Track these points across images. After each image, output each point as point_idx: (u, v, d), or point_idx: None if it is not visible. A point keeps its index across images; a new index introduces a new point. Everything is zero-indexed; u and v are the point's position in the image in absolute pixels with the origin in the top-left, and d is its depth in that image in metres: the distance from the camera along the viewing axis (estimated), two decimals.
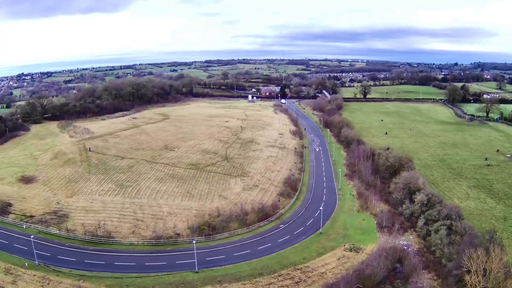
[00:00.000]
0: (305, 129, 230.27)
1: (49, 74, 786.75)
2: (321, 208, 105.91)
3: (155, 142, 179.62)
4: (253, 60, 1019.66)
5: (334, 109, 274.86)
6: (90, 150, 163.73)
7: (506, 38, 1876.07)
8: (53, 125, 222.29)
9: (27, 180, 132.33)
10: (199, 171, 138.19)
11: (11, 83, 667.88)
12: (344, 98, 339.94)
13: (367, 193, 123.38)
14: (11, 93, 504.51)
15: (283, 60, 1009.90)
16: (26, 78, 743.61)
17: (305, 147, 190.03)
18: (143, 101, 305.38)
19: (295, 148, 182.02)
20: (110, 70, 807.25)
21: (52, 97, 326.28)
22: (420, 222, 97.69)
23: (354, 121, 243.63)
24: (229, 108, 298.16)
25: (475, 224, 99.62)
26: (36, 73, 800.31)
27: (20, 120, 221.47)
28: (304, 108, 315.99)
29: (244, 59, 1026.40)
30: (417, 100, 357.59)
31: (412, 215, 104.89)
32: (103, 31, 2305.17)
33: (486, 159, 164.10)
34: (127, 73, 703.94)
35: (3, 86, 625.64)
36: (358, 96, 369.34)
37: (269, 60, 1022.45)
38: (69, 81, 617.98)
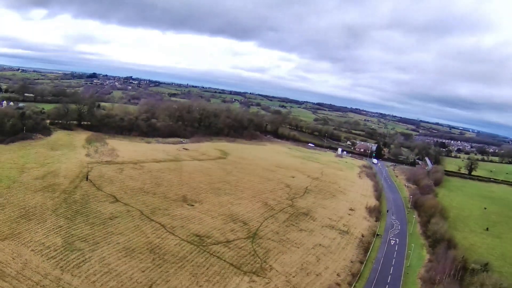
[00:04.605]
0: (387, 211, 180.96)
1: (157, 84, 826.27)
2: None
3: (178, 187, 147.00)
4: (365, 111, 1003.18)
5: (430, 185, 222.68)
6: (87, 180, 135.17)
7: None
8: (82, 136, 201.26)
9: None
10: (198, 250, 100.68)
11: (116, 83, 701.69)
12: (446, 171, 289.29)
13: None
14: (111, 93, 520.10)
15: (395, 116, 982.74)
16: (133, 82, 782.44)
17: (377, 235, 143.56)
18: (211, 131, 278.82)
19: (362, 236, 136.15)
20: (219, 93, 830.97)
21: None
22: None
23: (451, 204, 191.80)
24: (308, 159, 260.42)
25: None
26: (144, 80, 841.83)
27: (47, 122, 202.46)
28: (397, 176, 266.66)
29: (357, 109, 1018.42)
30: None
31: None
32: (226, 54, 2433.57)
33: None
34: (234, 100, 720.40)
35: (107, 84, 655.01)
36: (462, 171, 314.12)
37: (381, 114, 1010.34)
38: (174, 95, 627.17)
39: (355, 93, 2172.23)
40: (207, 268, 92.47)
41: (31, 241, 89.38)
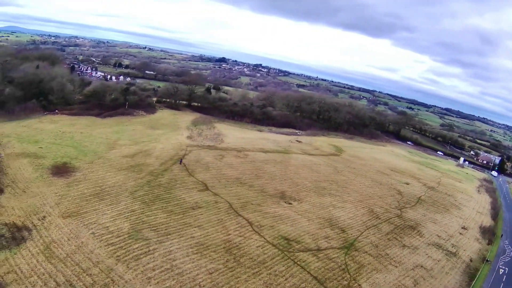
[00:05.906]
0: (501, 235, 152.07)
1: (286, 73, 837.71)
2: None
3: (279, 182, 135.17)
4: (492, 121, 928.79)
5: None
6: (180, 163, 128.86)
7: None
8: (189, 117, 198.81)
9: (57, 171, 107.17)
10: (281, 255, 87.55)
11: (245, 69, 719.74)
12: None
13: None
14: (238, 78, 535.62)
15: None
16: (262, 70, 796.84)
17: (487, 260, 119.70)
18: (329, 126, 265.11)
19: (471, 261, 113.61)
20: (348, 88, 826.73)
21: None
22: None
23: None
24: (426, 166, 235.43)
25: None
26: (274, 69, 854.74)
27: (153, 99, 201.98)
28: None
29: (484, 118, 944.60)
30: None
31: None
32: (358, 50, 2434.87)
33: None
34: (362, 96, 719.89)
35: (235, 70, 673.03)
36: None
37: (507, 126, 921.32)
38: (302, 86, 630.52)
39: (482, 101, 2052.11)
40: (285, 279, 79.31)
41: (95, 223, 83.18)
